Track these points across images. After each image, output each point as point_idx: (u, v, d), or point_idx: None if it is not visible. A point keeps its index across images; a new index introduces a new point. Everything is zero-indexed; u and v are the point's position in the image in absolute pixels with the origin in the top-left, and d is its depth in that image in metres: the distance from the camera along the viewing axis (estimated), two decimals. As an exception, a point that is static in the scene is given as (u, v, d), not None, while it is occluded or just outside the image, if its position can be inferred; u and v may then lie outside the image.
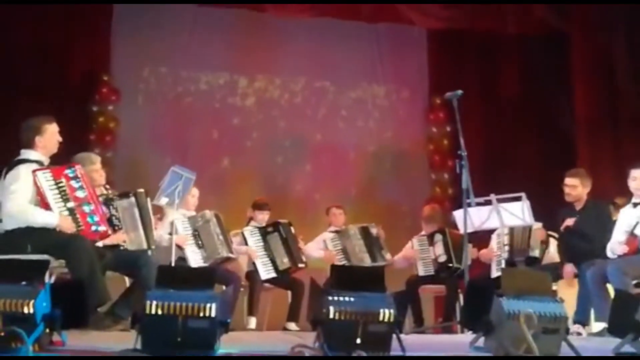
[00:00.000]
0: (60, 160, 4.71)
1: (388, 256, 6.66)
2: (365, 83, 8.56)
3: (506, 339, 3.01)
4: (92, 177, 4.92)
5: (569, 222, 5.59)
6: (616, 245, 5.18)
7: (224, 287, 5.36)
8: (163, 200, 5.33)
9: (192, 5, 7.84)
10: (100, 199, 4.81)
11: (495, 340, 3.10)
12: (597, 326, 5.06)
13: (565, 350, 3.10)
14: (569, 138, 8.10)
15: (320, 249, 6.73)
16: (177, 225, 5.69)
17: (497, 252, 6.07)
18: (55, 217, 4.37)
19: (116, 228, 4.87)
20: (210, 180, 7.23)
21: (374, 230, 6.77)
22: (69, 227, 4.39)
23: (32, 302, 2.76)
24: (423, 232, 6.67)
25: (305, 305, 6.05)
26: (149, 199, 5.18)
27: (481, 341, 3.23)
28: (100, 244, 4.62)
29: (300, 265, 6.39)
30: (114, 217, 4.88)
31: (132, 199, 5.05)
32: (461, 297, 6.09)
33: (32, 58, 7.26)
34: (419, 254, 6.55)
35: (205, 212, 5.99)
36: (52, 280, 4.17)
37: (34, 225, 4.35)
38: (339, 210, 6.86)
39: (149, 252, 5.01)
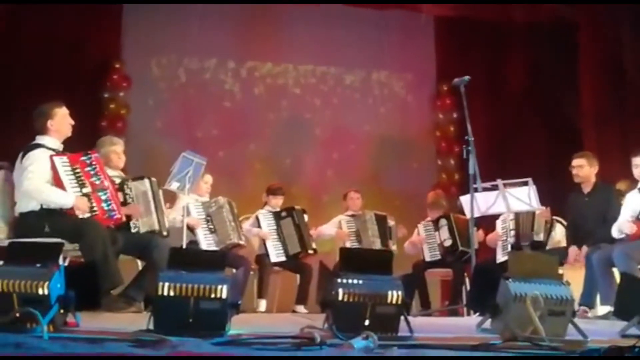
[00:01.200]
0: (73, 145, 4.78)
1: (394, 247, 6.72)
2: (372, 69, 8.58)
3: (513, 321, 3.03)
4: (109, 157, 5.04)
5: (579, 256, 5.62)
6: (625, 224, 5.19)
7: (234, 271, 5.44)
8: (174, 185, 5.38)
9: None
10: (117, 180, 4.90)
11: (502, 322, 3.13)
12: (603, 309, 5.10)
13: (571, 333, 3.13)
14: (576, 126, 8.10)
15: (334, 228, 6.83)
16: (190, 209, 5.76)
17: (502, 236, 6.11)
18: (71, 197, 4.43)
19: (130, 202, 4.94)
20: (221, 166, 7.28)
21: (390, 221, 6.85)
22: (84, 207, 4.46)
23: (46, 283, 2.80)
24: (429, 218, 6.72)
25: (313, 289, 6.15)
26: (160, 190, 5.25)
27: (488, 323, 3.27)
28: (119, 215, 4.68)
29: (310, 251, 6.47)
30: (128, 196, 4.96)
31: (146, 181, 5.13)
32: (467, 280, 6.14)
33: (44, 46, 7.32)
34: (424, 239, 6.61)
35: (219, 199, 6.07)
36: (67, 263, 4.24)
37: (50, 204, 4.42)
38: (357, 194, 6.94)
39: (164, 234, 5.08)
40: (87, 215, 4.49)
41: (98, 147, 5.10)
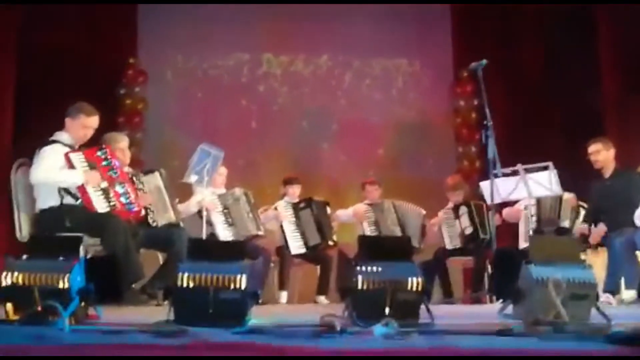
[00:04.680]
0: (91, 141, 4.79)
1: (421, 245, 6.65)
2: (390, 58, 8.54)
3: (535, 306, 3.00)
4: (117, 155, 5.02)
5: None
6: None
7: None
8: (192, 178, 5.38)
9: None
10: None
11: (524, 307, 3.09)
12: (628, 294, 5.04)
13: (595, 318, 3.09)
14: (596, 110, 7.98)
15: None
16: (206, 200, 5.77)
17: (524, 222, 6.05)
18: (79, 174, 4.44)
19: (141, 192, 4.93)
20: (238, 158, 7.29)
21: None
22: (96, 180, 4.46)
23: (67, 276, 2.81)
24: (449, 205, 6.67)
25: (334, 279, 6.15)
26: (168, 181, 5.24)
27: (510, 309, 3.24)
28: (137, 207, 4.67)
29: (330, 243, 6.46)
30: (141, 191, 4.97)
31: (157, 174, 5.13)
32: (489, 268, 6.10)
33: (59, 43, 7.34)
34: (445, 226, 6.56)
35: (235, 190, 6.06)
36: (88, 256, 4.26)
37: (60, 184, 4.43)
38: (374, 186, 6.88)
39: (181, 225, 5.09)
40: (106, 209, 4.51)
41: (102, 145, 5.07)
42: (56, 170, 4.46)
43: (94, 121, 4.67)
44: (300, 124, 8.27)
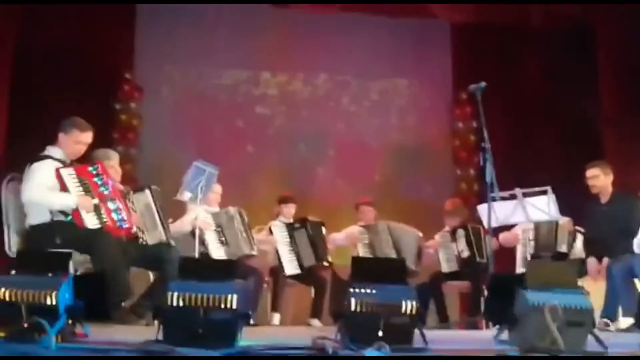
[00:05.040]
0: (85, 157, 4.75)
1: (417, 268, 6.56)
2: (388, 77, 8.54)
3: (531, 332, 2.95)
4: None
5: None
6: None
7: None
8: (186, 195, 5.31)
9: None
10: None
11: (520, 333, 3.04)
12: (625, 321, 4.99)
13: (591, 345, 3.04)
14: (596, 133, 7.98)
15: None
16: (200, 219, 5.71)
17: (522, 240, 6.01)
18: (73, 198, 4.40)
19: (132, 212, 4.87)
20: (233, 176, 7.25)
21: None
22: (88, 205, 4.42)
23: (54, 293, 2.77)
24: (446, 228, 6.63)
25: (328, 302, 6.08)
26: (161, 197, 5.17)
27: (505, 334, 3.18)
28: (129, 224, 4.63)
29: (325, 263, 6.39)
30: (131, 209, 4.90)
31: (147, 191, 5.06)
32: (486, 292, 6.03)
33: (54, 56, 7.32)
34: (441, 249, 6.51)
35: (229, 209, 6.00)
36: (77, 273, 4.20)
37: (53, 207, 4.40)
38: (368, 207, 6.78)
39: (172, 244, 5.02)
40: (97, 225, 4.46)
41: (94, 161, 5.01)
42: (50, 192, 4.42)
43: (87, 137, 4.63)
44: (297, 142, 8.24)
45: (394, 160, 8.36)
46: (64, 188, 4.43)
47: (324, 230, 6.50)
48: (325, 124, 8.35)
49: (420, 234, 6.69)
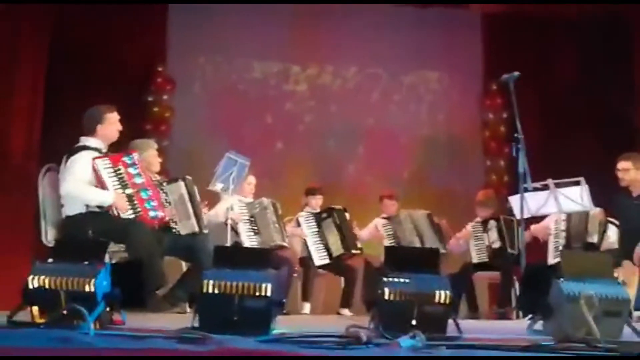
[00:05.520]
0: (117, 148, 4.82)
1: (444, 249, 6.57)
2: (418, 69, 8.50)
3: (566, 322, 2.94)
4: (150, 162, 5.03)
5: None
6: None
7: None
8: (218, 186, 5.37)
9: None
10: None
11: (555, 324, 3.03)
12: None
13: (627, 335, 3.02)
14: (631, 125, 7.85)
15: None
16: (234, 210, 5.76)
17: (554, 231, 5.96)
18: (110, 195, 4.47)
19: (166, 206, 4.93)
20: (265, 168, 7.28)
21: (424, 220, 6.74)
22: (123, 205, 4.49)
23: (92, 280, 2.81)
24: (478, 219, 6.60)
25: (358, 291, 6.09)
26: (195, 187, 5.22)
27: (539, 325, 3.17)
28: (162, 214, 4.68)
29: (354, 251, 6.42)
30: (165, 201, 4.96)
31: (181, 183, 5.11)
32: (516, 283, 6.00)
33: (89, 51, 7.38)
34: (472, 240, 6.49)
35: (263, 200, 6.04)
36: (112, 262, 4.26)
37: (90, 203, 4.46)
38: (391, 201, 6.87)
39: (206, 233, 5.07)
40: (131, 215, 4.52)
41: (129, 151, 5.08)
42: (88, 188, 4.49)
43: (116, 114, 4.73)
44: (326, 133, 8.23)
45: (423, 152, 8.31)
46: (99, 179, 4.49)
47: (347, 215, 6.52)
48: (355, 118, 8.32)
49: (427, 212, 6.74)
